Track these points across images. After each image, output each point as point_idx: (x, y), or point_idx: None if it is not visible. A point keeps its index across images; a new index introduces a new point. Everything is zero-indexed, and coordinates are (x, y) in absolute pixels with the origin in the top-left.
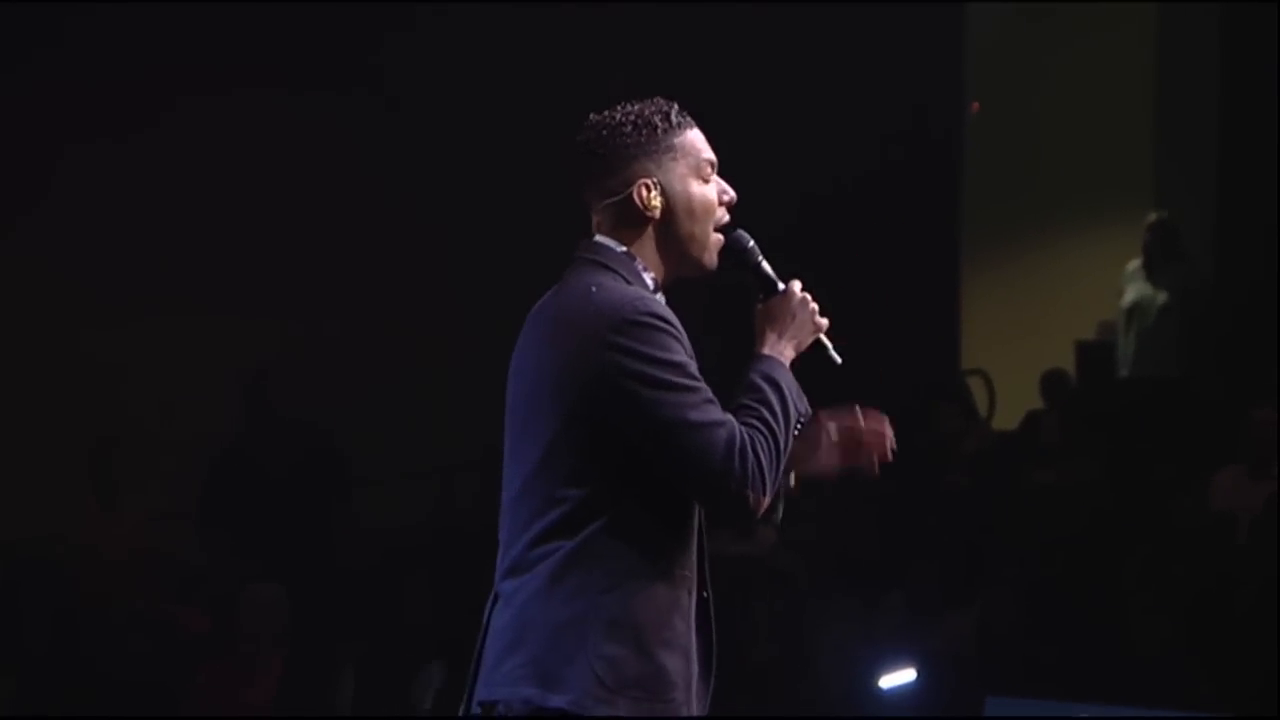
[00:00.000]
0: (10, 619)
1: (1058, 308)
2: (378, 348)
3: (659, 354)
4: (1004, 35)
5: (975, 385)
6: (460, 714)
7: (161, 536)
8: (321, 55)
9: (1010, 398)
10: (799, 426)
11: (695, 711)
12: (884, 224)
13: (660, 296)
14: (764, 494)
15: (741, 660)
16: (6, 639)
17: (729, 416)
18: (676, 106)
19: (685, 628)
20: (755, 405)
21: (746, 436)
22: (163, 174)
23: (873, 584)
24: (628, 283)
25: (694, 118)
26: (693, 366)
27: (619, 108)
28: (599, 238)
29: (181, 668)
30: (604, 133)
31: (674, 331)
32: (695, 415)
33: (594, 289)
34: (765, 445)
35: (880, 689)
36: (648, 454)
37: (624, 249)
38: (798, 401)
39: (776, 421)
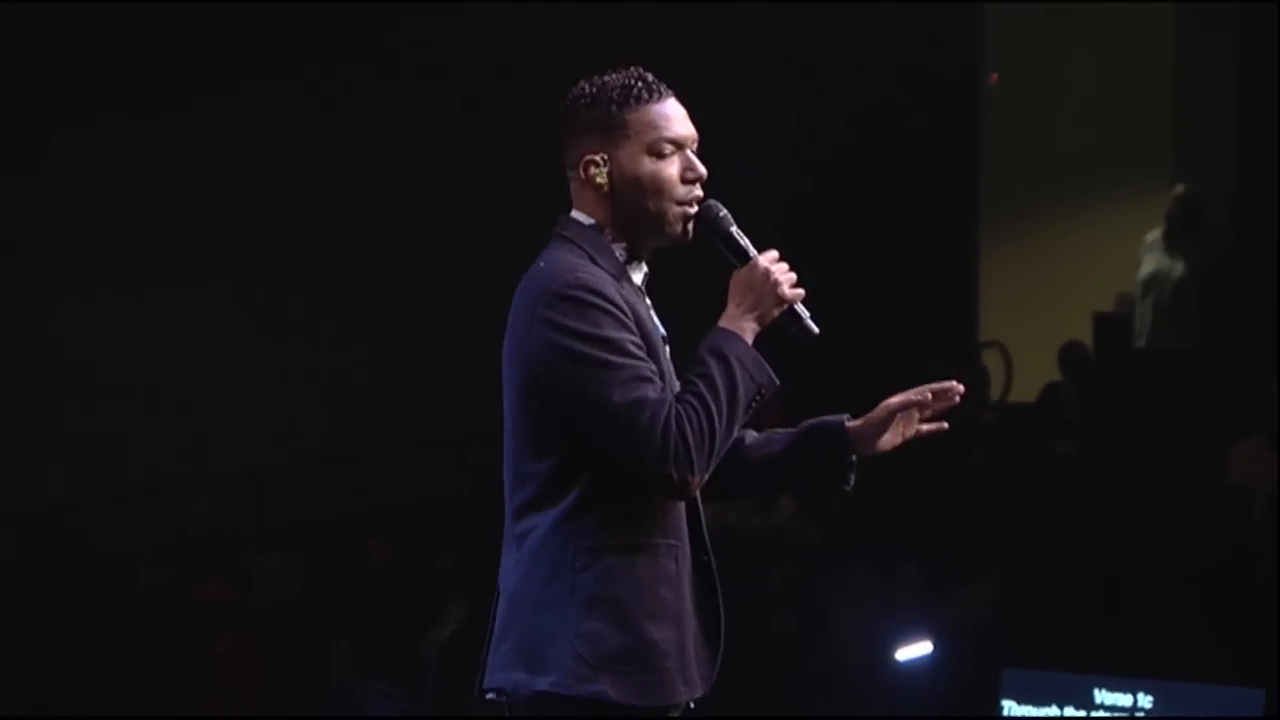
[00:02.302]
0: (30, 589)
1: (1076, 280)
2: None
3: (584, 328)
4: (1024, 10)
5: (993, 357)
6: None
7: None
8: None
9: (1028, 370)
10: (759, 397)
11: (697, 679)
12: (903, 197)
13: (643, 267)
14: (692, 470)
15: (759, 631)
16: (26, 609)
17: (658, 394)
18: (645, 79)
19: (674, 596)
20: (694, 380)
21: (674, 413)
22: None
23: (891, 556)
24: (590, 256)
25: (708, 89)
26: (628, 341)
27: (592, 79)
28: (573, 213)
29: (199, 638)
30: (567, 106)
31: (606, 305)
32: (617, 393)
33: (542, 264)
34: (695, 421)
35: (897, 661)
36: (578, 428)
37: (592, 222)
38: (755, 373)
39: (716, 396)
